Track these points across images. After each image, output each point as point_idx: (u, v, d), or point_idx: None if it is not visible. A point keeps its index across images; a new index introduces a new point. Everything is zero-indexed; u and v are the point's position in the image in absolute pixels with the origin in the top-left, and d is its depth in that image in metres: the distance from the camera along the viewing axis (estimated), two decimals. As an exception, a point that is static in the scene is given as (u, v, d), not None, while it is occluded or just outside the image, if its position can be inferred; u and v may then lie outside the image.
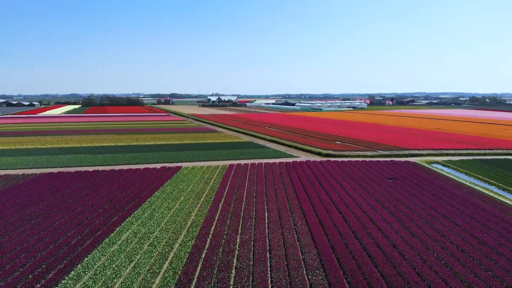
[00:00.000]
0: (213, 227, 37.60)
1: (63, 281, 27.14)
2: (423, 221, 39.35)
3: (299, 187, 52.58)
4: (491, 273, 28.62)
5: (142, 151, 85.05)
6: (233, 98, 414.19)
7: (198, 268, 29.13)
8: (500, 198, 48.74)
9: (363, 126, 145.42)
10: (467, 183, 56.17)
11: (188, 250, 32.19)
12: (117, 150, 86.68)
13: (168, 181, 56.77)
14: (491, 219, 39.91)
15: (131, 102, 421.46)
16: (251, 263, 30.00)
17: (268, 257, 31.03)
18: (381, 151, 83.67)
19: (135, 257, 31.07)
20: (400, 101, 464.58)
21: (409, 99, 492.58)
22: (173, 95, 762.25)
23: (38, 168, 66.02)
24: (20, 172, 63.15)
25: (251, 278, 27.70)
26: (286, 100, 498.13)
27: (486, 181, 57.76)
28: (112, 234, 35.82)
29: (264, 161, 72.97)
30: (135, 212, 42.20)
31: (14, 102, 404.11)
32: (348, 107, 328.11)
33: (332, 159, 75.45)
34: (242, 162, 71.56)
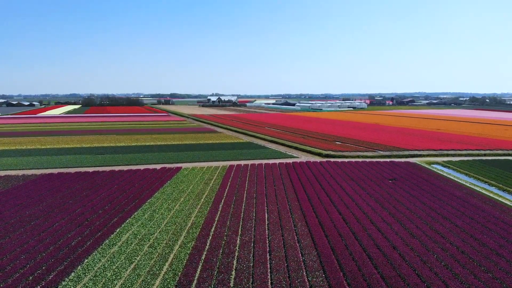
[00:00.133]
0: (213, 228, 37.63)
1: (63, 283, 27.17)
2: (423, 222, 39.37)
3: (299, 188, 52.61)
4: (491, 274, 28.63)
5: (142, 151, 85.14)
6: (233, 98, 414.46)
7: (198, 270, 29.15)
8: (500, 199, 48.76)
9: (363, 127, 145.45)
10: (467, 184, 56.21)
11: (188, 252, 32.22)
12: (117, 150, 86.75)
13: (168, 182, 56.81)
14: (491, 220, 39.93)
15: (131, 102, 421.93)
16: (251, 264, 30.02)
17: (268, 258, 31.05)
18: (381, 152, 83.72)
19: (135, 259, 31.10)
20: (400, 101, 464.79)
21: (409, 99, 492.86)
22: (173, 95, 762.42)
23: (38, 168, 66.08)
24: (20, 172, 63.20)
25: (251, 279, 27.73)
26: (286, 100, 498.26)
27: (486, 181, 57.79)
28: (112, 235, 35.85)
29: (264, 161, 73.02)
30: (135, 213, 42.24)
31: (14, 102, 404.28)
32: (348, 107, 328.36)
33: (332, 159, 75.49)
34: (242, 162, 71.60)
